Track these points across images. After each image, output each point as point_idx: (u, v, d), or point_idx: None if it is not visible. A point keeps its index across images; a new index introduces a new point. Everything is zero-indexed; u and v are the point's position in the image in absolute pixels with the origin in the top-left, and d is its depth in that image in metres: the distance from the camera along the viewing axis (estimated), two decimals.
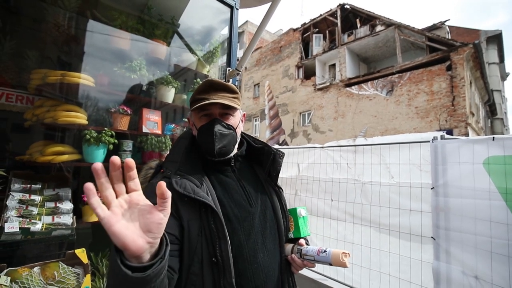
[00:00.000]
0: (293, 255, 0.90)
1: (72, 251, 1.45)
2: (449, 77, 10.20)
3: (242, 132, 0.98)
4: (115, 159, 0.48)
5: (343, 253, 0.82)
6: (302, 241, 0.94)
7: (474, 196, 2.14)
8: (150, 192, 0.77)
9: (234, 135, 0.87)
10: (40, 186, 1.57)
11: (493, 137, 2.13)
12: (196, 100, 0.86)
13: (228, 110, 0.87)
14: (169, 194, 0.52)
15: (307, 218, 0.99)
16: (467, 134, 9.37)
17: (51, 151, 1.53)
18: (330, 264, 0.83)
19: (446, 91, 10.20)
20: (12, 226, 1.31)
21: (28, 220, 1.38)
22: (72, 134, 1.68)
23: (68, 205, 1.56)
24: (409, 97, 11.19)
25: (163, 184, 0.51)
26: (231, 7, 1.97)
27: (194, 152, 0.89)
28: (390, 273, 2.67)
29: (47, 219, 1.44)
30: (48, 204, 1.52)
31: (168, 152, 1.98)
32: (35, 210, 1.45)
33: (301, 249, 0.89)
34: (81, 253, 1.45)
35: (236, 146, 0.94)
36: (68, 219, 1.50)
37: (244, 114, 0.98)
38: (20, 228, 1.32)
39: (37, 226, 1.38)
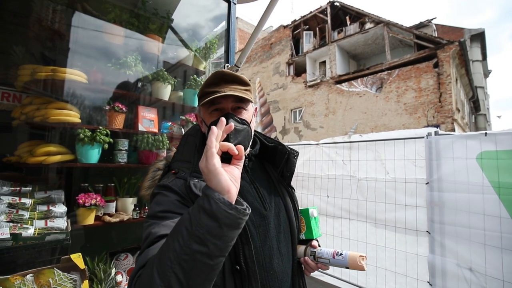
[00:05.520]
0: (306, 257, 0.88)
1: (68, 256, 1.38)
2: (436, 74, 10.45)
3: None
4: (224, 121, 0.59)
5: (360, 256, 0.80)
6: (314, 243, 0.91)
7: (467, 190, 2.18)
8: (163, 194, 0.71)
9: (248, 131, 0.80)
10: (30, 188, 1.49)
11: (486, 133, 2.17)
12: (205, 94, 0.79)
13: (241, 103, 0.80)
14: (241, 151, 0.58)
15: (318, 218, 0.97)
16: (453, 130, 9.65)
17: (43, 152, 1.45)
18: (347, 267, 0.80)
19: (433, 87, 10.45)
20: (2, 232, 1.24)
21: (19, 225, 1.31)
22: (64, 133, 1.59)
23: (61, 208, 1.48)
24: (398, 94, 11.41)
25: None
26: (228, 1, 1.92)
27: None
28: (387, 268, 2.71)
29: (40, 224, 1.37)
30: (40, 208, 1.44)
31: (170, 151, 1.93)
32: (27, 214, 1.37)
33: (315, 252, 0.86)
34: (77, 258, 1.39)
35: (250, 143, 0.87)
36: (62, 223, 1.43)
37: (256, 108, 0.92)
38: (11, 234, 1.25)
39: (29, 231, 1.31)
